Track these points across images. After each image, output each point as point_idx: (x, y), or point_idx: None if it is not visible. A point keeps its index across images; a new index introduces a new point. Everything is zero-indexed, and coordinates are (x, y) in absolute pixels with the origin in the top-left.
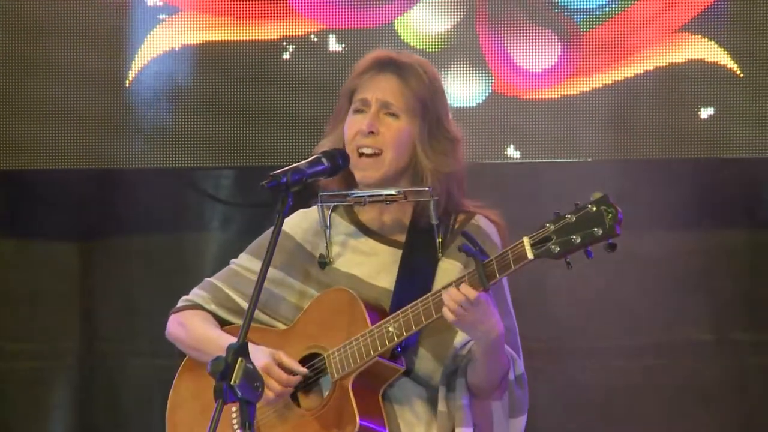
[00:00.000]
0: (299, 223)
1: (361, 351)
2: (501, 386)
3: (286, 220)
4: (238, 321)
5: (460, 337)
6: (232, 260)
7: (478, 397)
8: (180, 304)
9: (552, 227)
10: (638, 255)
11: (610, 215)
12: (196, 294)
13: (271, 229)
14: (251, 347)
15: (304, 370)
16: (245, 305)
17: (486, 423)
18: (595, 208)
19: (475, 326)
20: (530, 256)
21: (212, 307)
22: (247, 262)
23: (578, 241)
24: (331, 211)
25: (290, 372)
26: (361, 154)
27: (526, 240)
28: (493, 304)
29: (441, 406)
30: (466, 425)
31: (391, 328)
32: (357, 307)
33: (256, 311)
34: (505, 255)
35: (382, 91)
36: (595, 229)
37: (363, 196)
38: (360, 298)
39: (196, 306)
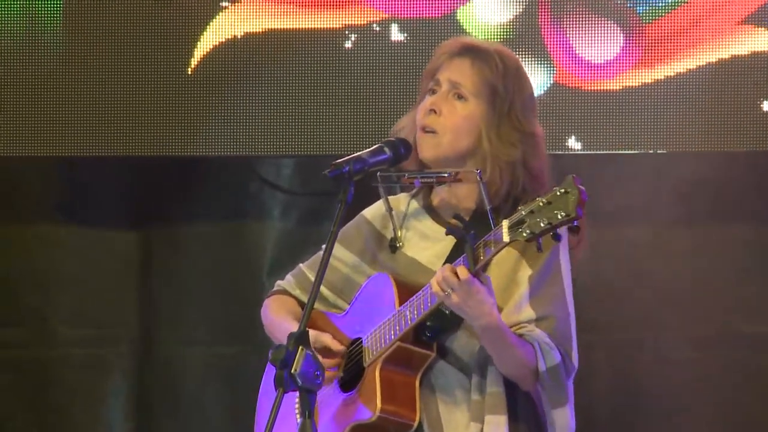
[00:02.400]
0: (379, 211)
1: (384, 336)
2: (532, 377)
3: (369, 207)
4: (319, 305)
5: None
6: (323, 246)
7: (518, 386)
8: (273, 288)
9: (524, 211)
10: (697, 247)
11: (573, 197)
12: (286, 280)
13: (358, 216)
14: None
15: (342, 348)
16: (326, 290)
17: (524, 412)
18: (562, 191)
19: (461, 308)
20: (506, 239)
21: (297, 293)
22: (334, 249)
23: (544, 224)
24: (412, 197)
25: (332, 353)
26: (424, 131)
27: (504, 223)
28: (486, 292)
29: (474, 394)
30: (497, 413)
31: (407, 312)
32: (389, 291)
33: (336, 297)
34: (488, 238)
35: (453, 73)
36: (558, 212)
37: (415, 177)
38: (408, 281)
39: (283, 291)
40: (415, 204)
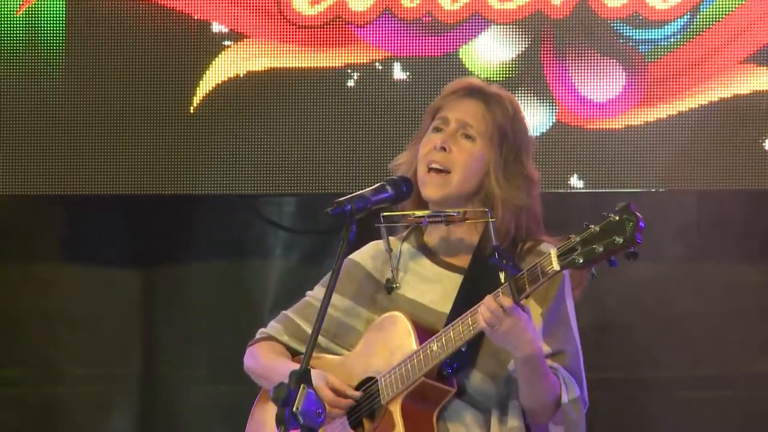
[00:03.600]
0: (368, 252)
1: (408, 372)
2: (556, 410)
3: (357, 251)
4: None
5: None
6: (308, 292)
7: (534, 421)
8: (257, 336)
9: (577, 238)
10: (702, 285)
11: (631, 224)
12: (271, 326)
13: (345, 260)
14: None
15: (355, 393)
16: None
17: None
18: (617, 217)
19: (507, 338)
20: (556, 267)
21: (285, 339)
22: (319, 294)
23: (600, 250)
24: (403, 240)
25: (342, 395)
26: (430, 169)
27: (553, 252)
28: (527, 319)
29: (494, 429)
30: None
31: (434, 347)
32: (406, 330)
33: (328, 342)
34: (534, 268)
35: (464, 113)
36: (616, 237)
37: (421, 216)
38: (416, 321)
39: (270, 338)
40: (407, 245)
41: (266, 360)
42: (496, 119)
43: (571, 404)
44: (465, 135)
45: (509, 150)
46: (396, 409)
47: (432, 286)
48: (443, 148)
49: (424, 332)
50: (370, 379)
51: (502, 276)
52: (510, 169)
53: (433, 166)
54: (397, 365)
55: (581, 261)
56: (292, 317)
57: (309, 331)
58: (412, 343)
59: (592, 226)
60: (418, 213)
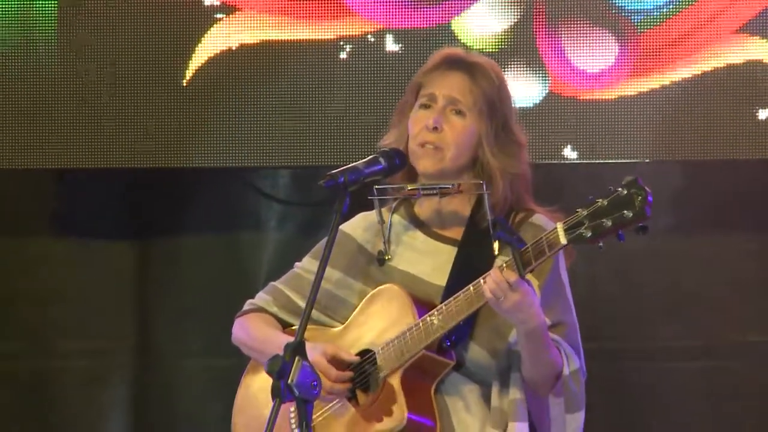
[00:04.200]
0: (359, 224)
1: (408, 345)
2: (556, 381)
3: (347, 222)
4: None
5: (514, 332)
6: (296, 263)
7: (534, 392)
8: (245, 307)
9: (584, 212)
10: (693, 256)
11: (640, 197)
12: (260, 297)
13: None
14: (308, 344)
15: (355, 358)
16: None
17: (542, 418)
18: (625, 191)
19: (512, 311)
20: (563, 241)
21: (274, 310)
22: (309, 265)
23: (609, 224)
24: (393, 212)
25: (344, 364)
26: (423, 146)
27: (559, 226)
28: (532, 293)
29: (494, 401)
30: (520, 419)
31: (435, 321)
32: (404, 302)
33: (319, 314)
34: (540, 242)
35: (450, 88)
36: (626, 211)
37: (416, 188)
38: (412, 294)
39: (259, 309)
40: (398, 217)
41: (258, 332)
42: (484, 91)
43: (572, 376)
44: (454, 111)
45: (498, 119)
46: (395, 382)
47: (425, 258)
48: (435, 128)
49: (421, 305)
50: (366, 351)
51: (495, 247)
52: (501, 138)
53: (427, 145)
54: (396, 338)
55: (589, 235)
56: (282, 288)
57: (298, 302)
58: (411, 316)
59: (600, 200)
60: (412, 186)
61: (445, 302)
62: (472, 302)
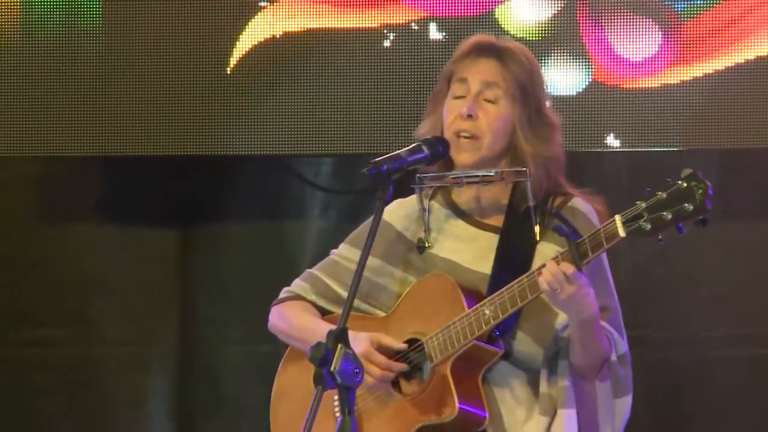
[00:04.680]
0: (397, 211)
1: (459, 335)
2: (604, 367)
3: (385, 209)
4: (338, 310)
5: (560, 320)
6: (332, 250)
7: (582, 379)
8: (281, 295)
9: (643, 204)
10: (739, 244)
11: (701, 191)
12: (297, 285)
13: (370, 218)
14: (351, 334)
15: (403, 346)
16: (345, 294)
17: (590, 404)
18: (685, 185)
19: (568, 303)
20: (622, 233)
21: (313, 298)
22: (346, 252)
23: (669, 217)
24: (430, 199)
25: (392, 353)
26: (459, 136)
27: (617, 218)
28: (587, 284)
29: (543, 388)
30: (569, 406)
31: (487, 311)
32: (454, 292)
33: (358, 301)
34: (597, 234)
35: (482, 74)
36: (686, 204)
37: (460, 177)
38: (457, 282)
39: (297, 297)
40: (436, 205)
41: (298, 320)
42: (515, 76)
43: (620, 361)
44: (487, 100)
45: (531, 104)
46: (446, 371)
47: (467, 245)
48: (470, 116)
49: (468, 293)
50: (412, 340)
51: (536, 232)
52: (534, 123)
53: (463, 135)
54: (446, 328)
55: (649, 228)
56: (320, 276)
57: (337, 289)
58: (461, 306)
59: (659, 192)
60: (456, 173)
61: (497, 293)
62: (525, 294)
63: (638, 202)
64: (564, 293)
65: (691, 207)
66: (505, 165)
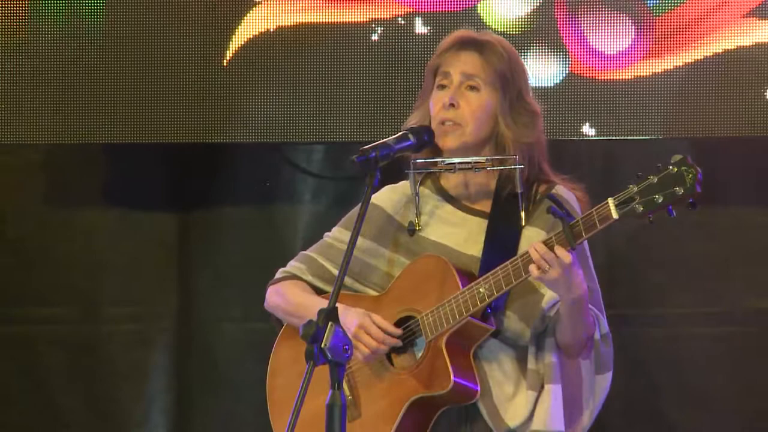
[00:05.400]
0: (389, 195)
1: (454, 312)
2: (587, 345)
3: (375, 194)
4: (332, 289)
5: (547, 300)
6: (326, 233)
7: (567, 356)
8: (278, 275)
9: (635, 188)
10: (709, 228)
11: (691, 175)
12: (293, 265)
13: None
14: (347, 310)
15: (398, 330)
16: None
17: (574, 379)
18: (676, 169)
19: (560, 283)
20: (615, 215)
21: (308, 278)
22: (339, 234)
23: (661, 200)
24: (419, 184)
25: (384, 332)
26: (444, 124)
27: (610, 201)
28: (577, 264)
29: (531, 365)
30: (555, 382)
31: (482, 289)
32: (449, 272)
33: (351, 281)
34: (591, 216)
35: (464, 66)
36: (677, 188)
37: (453, 164)
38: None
39: (293, 276)
40: (425, 190)
41: (296, 297)
42: (494, 66)
43: (603, 339)
44: (469, 87)
45: (511, 92)
46: (442, 346)
47: (456, 229)
48: (452, 105)
49: (462, 274)
50: (407, 317)
51: (522, 217)
52: (515, 110)
53: (447, 123)
54: (442, 305)
55: (641, 210)
56: (315, 257)
57: (331, 270)
58: (456, 285)
59: (650, 176)
60: (449, 160)
61: (492, 272)
62: (520, 273)
63: (630, 186)
64: (555, 273)
65: (682, 190)
66: (489, 151)
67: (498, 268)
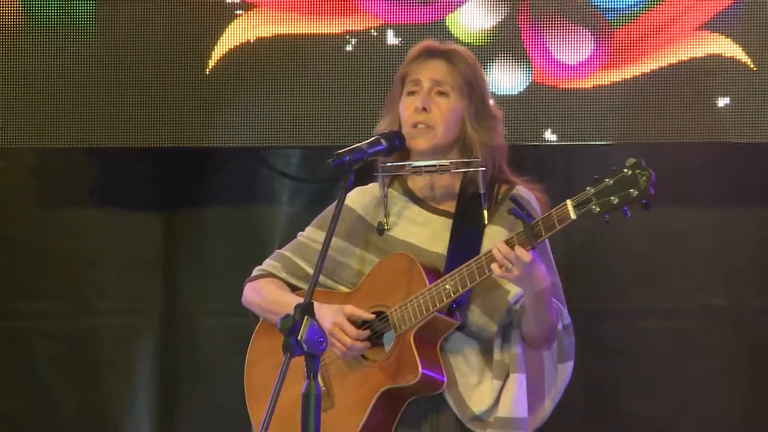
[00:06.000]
0: (359, 197)
1: (421, 307)
2: (550, 336)
3: (347, 195)
4: (305, 286)
5: (513, 295)
6: (299, 233)
7: (531, 346)
8: (254, 273)
9: (592, 190)
10: (663, 228)
11: (644, 177)
12: (269, 264)
13: (334, 203)
14: (321, 306)
15: (371, 316)
16: (311, 272)
17: (538, 368)
18: (630, 172)
19: (523, 280)
20: (573, 216)
21: (283, 275)
22: (312, 234)
23: (616, 201)
24: (387, 187)
25: (359, 323)
26: (416, 127)
27: (569, 202)
28: (539, 260)
29: (496, 356)
30: (519, 371)
31: (448, 286)
32: (416, 269)
33: (324, 278)
34: (550, 216)
35: (432, 73)
36: (632, 190)
37: (419, 167)
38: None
39: (269, 274)
40: (393, 192)
41: (272, 294)
42: (462, 73)
43: (565, 330)
44: (439, 92)
45: (476, 97)
46: (410, 339)
47: (422, 228)
48: (424, 108)
49: (428, 271)
50: (378, 313)
51: (485, 216)
52: (480, 114)
53: (419, 126)
54: (410, 300)
55: (597, 210)
56: (289, 255)
57: (305, 267)
58: (423, 282)
59: (606, 179)
60: (416, 163)
61: (457, 270)
62: (483, 271)
63: (587, 188)
64: (517, 271)
65: (636, 192)
66: (456, 153)
67: (463, 266)
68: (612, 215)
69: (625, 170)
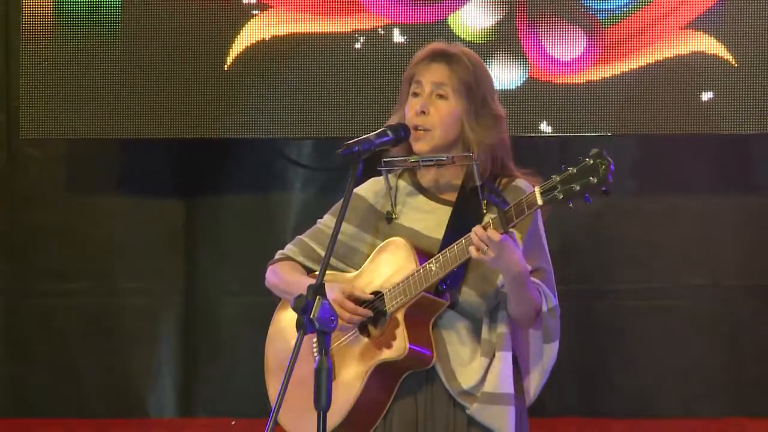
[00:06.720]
0: (371, 187)
1: (410, 287)
2: (536, 317)
3: (361, 185)
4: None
5: (501, 278)
6: (318, 220)
7: (518, 327)
8: (276, 257)
9: (557, 178)
10: (651, 213)
11: (604, 166)
12: (289, 248)
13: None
14: (328, 285)
15: (370, 296)
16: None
17: (524, 347)
18: (591, 161)
19: (497, 262)
20: (540, 202)
21: (300, 259)
22: (328, 221)
23: (577, 188)
24: (398, 178)
25: (360, 302)
26: (416, 129)
27: (537, 189)
28: (514, 245)
29: (484, 334)
30: (505, 349)
31: (433, 267)
32: (408, 252)
33: (337, 261)
34: (521, 203)
35: (433, 76)
36: (591, 178)
37: (417, 161)
38: (415, 246)
39: (288, 258)
40: (403, 183)
41: (288, 276)
42: (460, 76)
43: (549, 312)
44: (438, 95)
45: (476, 98)
46: (400, 317)
47: (426, 216)
48: (423, 112)
49: (422, 254)
50: (376, 292)
51: (483, 206)
52: (480, 114)
53: (419, 128)
54: (401, 281)
55: (561, 197)
56: (306, 241)
57: (320, 252)
58: (414, 263)
59: (570, 168)
60: (414, 157)
61: (442, 252)
62: (464, 252)
63: (553, 176)
64: (490, 253)
65: (596, 180)
66: (457, 151)
67: (447, 248)
68: (575, 202)
69: (588, 159)
